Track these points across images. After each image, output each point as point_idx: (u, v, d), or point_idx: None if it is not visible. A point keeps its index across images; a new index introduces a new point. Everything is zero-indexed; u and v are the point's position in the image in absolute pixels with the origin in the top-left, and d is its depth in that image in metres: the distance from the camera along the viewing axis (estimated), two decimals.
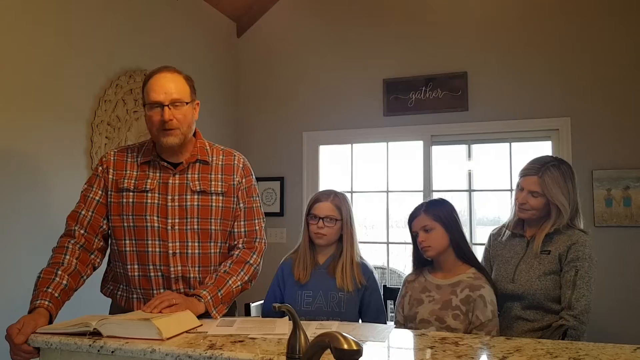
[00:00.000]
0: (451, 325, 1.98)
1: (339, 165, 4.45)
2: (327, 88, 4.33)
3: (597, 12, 3.70)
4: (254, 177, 2.02)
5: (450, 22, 4.03)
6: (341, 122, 4.27)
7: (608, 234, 3.54)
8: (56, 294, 1.66)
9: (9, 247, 2.54)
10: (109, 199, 1.86)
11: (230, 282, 1.82)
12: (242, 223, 1.94)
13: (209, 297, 1.75)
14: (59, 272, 1.71)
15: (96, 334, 1.43)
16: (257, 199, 2.01)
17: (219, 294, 1.78)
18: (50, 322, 1.60)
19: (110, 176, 1.87)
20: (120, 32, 3.28)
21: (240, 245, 1.93)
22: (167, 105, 1.77)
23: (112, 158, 1.90)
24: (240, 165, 1.97)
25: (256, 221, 1.98)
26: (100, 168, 1.90)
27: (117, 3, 3.27)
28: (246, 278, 1.88)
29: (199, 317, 1.67)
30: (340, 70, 4.30)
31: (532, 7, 3.85)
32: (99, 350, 1.38)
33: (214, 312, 1.76)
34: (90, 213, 1.84)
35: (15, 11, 2.60)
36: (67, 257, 1.76)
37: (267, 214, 4.38)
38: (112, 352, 1.37)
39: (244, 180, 1.96)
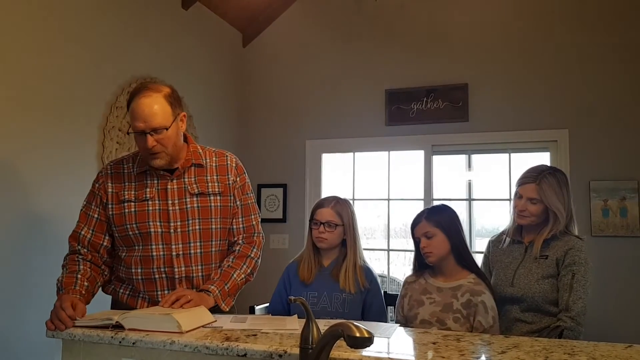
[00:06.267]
0: (452, 327, 2.04)
1: (341, 173, 4.52)
2: (330, 97, 4.43)
3: (595, 27, 3.80)
4: (247, 175, 2.11)
5: (451, 35, 4.13)
6: (344, 131, 4.36)
7: (605, 244, 3.61)
8: (83, 291, 1.75)
9: (19, 249, 2.61)
10: (110, 212, 1.90)
11: (234, 275, 1.93)
12: (240, 220, 2.04)
13: (217, 291, 1.85)
14: (79, 277, 1.80)
15: (117, 327, 1.51)
16: (251, 195, 2.10)
17: (226, 288, 1.89)
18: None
19: (110, 190, 1.92)
20: (131, 41, 3.38)
21: (240, 241, 2.02)
22: (149, 133, 1.79)
23: (109, 172, 1.96)
24: (234, 165, 2.05)
25: (252, 217, 2.07)
26: (97, 184, 1.95)
27: (128, 14, 3.37)
28: (249, 271, 1.99)
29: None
30: (343, 80, 4.39)
31: (531, 21, 3.95)
32: (120, 342, 1.46)
33: (223, 305, 1.87)
34: (90, 232, 1.91)
35: (29, 20, 2.70)
36: (81, 266, 1.85)
37: (269, 220, 4.48)
38: (133, 343, 1.45)
39: (238, 178, 2.04)
